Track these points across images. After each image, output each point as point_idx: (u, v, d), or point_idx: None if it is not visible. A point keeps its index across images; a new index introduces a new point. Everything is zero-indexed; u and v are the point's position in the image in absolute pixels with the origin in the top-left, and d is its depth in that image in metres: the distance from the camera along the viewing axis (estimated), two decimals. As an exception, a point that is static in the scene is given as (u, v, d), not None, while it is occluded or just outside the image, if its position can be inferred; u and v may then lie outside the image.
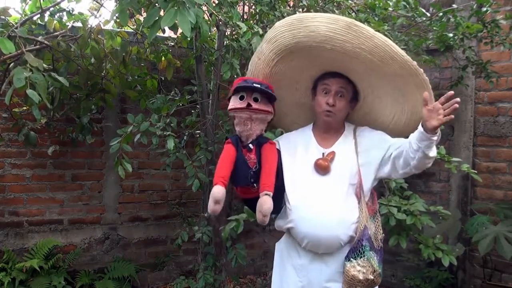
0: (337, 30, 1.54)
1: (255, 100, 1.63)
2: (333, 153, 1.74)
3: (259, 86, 1.64)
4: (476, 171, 2.85)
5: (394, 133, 1.83)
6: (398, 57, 1.56)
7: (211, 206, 1.54)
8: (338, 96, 1.73)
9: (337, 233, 1.67)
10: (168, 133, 2.65)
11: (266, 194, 1.56)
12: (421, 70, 1.60)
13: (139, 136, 2.60)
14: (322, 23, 1.56)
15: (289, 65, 1.75)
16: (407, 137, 1.65)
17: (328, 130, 1.80)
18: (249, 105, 1.62)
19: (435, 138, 1.52)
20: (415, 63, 1.58)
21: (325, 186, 1.70)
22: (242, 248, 2.83)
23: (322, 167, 1.71)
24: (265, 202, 1.55)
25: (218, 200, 1.52)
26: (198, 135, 2.98)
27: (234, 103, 1.65)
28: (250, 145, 1.66)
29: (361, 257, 1.63)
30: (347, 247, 1.69)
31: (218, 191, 1.53)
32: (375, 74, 1.66)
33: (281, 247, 1.87)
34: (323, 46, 1.59)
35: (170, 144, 2.61)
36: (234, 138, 1.70)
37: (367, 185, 1.73)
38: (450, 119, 1.49)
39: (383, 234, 1.75)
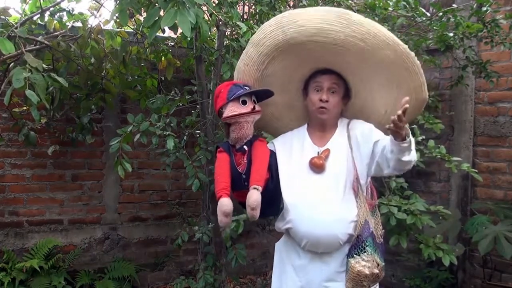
0: (329, 20, 1.54)
1: (254, 102, 1.67)
2: (327, 150, 1.74)
3: (257, 89, 1.70)
4: (476, 171, 2.85)
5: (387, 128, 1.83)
6: (390, 41, 1.55)
7: (222, 220, 1.56)
8: (330, 92, 1.73)
9: (336, 231, 1.66)
10: (168, 133, 2.64)
11: (254, 188, 1.57)
12: (412, 53, 1.60)
13: (139, 136, 2.60)
14: (311, 16, 1.56)
15: (280, 66, 1.74)
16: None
17: (322, 129, 1.80)
18: (253, 108, 1.65)
19: (404, 145, 1.50)
20: (406, 46, 1.58)
21: (321, 185, 1.70)
22: (242, 248, 2.82)
23: (316, 165, 1.71)
24: (251, 195, 1.55)
25: (227, 213, 1.54)
26: (198, 135, 2.97)
27: (238, 108, 1.64)
28: (245, 147, 1.66)
29: (364, 252, 1.62)
30: (346, 246, 1.68)
31: (226, 204, 1.55)
32: (367, 66, 1.65)
33: (280, 248, 1.87)
34: (315, 39, 1.58)
35: (170, 144, 2.61)
36: (225, 145, 1.71)
37: (364, 179, 1.72)
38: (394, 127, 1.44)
39: (383, 230, 1.75)
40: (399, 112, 1.42)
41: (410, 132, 1.52)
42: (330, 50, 1.62)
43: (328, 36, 1.56)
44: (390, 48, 1.57)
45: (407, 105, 1.42)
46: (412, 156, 1.56)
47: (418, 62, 1.62)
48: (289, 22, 1.59)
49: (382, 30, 1.55)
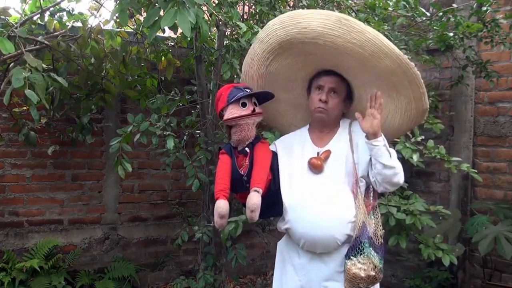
0: (329, 25, 1.56)
1: (255, 104, 1.68)
2: (328, 151, 1.75)
3: (257, 91, 1.71)
4: (476, 171, 2.85)
5: (388, 134, 1.83)
6: (389, 51, 1.56)
7: (217, 221, 1.56)
8: (331, 93, 1.75)
9: (332, 232, 1.67)
10: (168, 133, 2.65)
11: (254, 191, 1.57)
12: (412, 64, 1.61)
13: (139, 136, 2.60)
14: (314, 19, 1.58)
15: (284, 64, 1.76)
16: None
17: (322, 129, 1.81)
18: (253, 110, 1.65)
19: (376, 143, 1.58)
20: (406, 57, 1.59)
21: (320, 185, 1.70)
22: (242, 248, 2.83)
23: (315, 166, 1.72)
24: (251, 198, 1.55)
25: (223, 215, 1.55)
26: (198, 135, 2.97)
27: (238, 111, 1.64)
28: (247, 149, 1.67)
29: (360, 254, 1.63)
30: (345, 246, 1.69)
31: (222, 206, 1.55)
32: (368, 71, 1.67)
33: (281, 247, 1.88)
34: (316, 42, 1.60)
35: (170, 144, 2.61)
36: (227, 147, 1.71)
37: (363, 182, 1.73)
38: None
39: (383, 231, 1.75)
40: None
41: (383, 136, 1.62)
42: (331, 53, 1.63)
43: (328, 40, 1.58)
44: (390, 59, 1.57)
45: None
46: (391, 160, 1.62)
47: (418, 73, 1.63)
48: (292, 23, 1.61)
49: (383, 40, 1.56)
